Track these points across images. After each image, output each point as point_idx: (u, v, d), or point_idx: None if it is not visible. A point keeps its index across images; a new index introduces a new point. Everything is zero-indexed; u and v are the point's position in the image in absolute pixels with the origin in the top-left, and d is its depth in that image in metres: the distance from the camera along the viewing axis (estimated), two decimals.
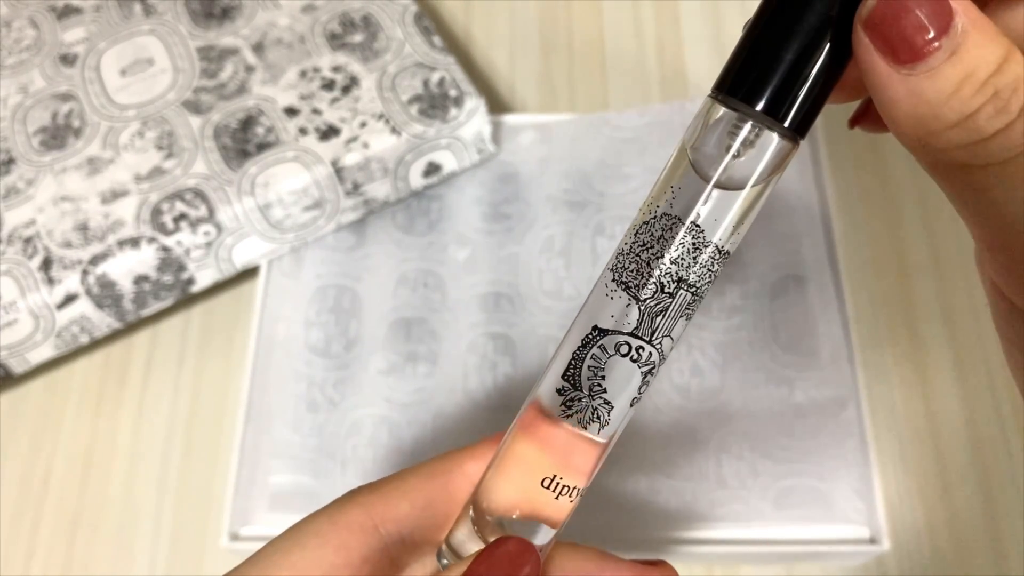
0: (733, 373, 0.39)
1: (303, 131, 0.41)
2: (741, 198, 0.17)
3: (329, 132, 0.41)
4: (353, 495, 0.21)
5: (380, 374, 0.40)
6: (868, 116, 0.21)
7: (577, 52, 0.52)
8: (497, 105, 0.50)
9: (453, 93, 0.42)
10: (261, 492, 0.38)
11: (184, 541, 0.40)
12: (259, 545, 0.37)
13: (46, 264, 0.39)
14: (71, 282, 0.39)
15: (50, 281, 0.38)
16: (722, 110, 0.16)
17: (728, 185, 0.17)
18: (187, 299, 0.44)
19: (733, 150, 0.16)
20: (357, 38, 0.44)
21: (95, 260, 0.39)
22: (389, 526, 0.21)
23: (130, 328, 0.44)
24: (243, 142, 0.41)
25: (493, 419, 0.39)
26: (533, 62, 0.51)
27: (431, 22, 0.45)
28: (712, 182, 0.17)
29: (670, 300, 0.18)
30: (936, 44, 0.14)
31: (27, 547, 0.40)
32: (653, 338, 0.18)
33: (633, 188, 0.43)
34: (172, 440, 0.42)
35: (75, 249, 0.39)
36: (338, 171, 0.40)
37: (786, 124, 0.16)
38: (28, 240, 0.39)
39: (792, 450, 0.37)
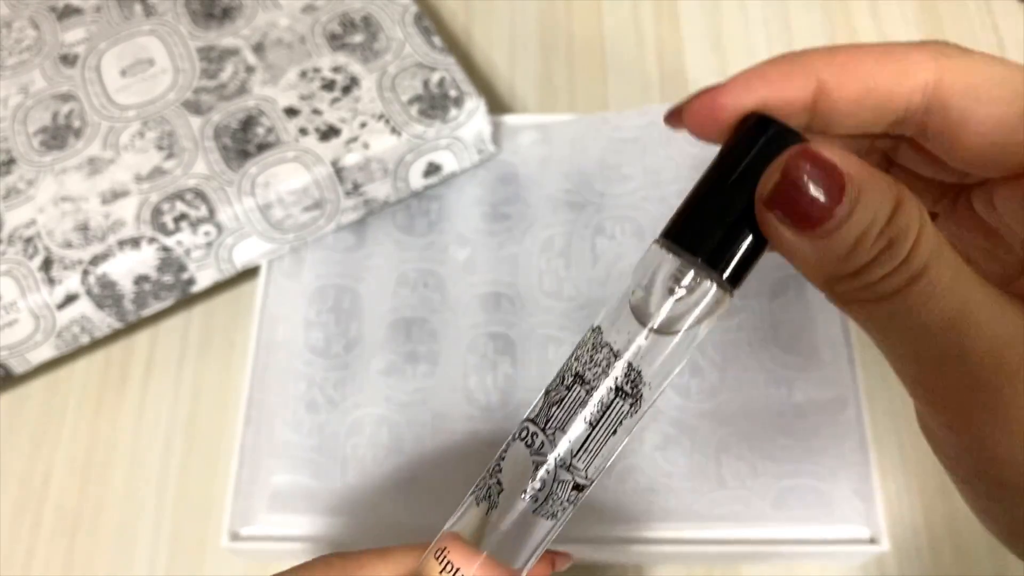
0: (733, 373, 0.39)
1: (303, 131, 0.41)
2: (673, 342, 0.18)
3: (329, 132, 0.41)
4: (328, 562, 0.23)
5: (380, 374, 0.40)
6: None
7: (577, 52, 0.52)
8: (497, 105, 0.50)
9: (453, 93, 0.42)
10: (261, 492, 0.38)
11: (184, 541, 0.40)
12: (259, 545, 0.37)
13: (46, 264, 0.39)
14: (72, 282, 0.39)
15: (50, 281, 0.39)
16: (667, 256, 0.18)
17: (663, 329, 0.18)
18: (187, 299, 0.44)
19: (676, 295, 0.18)
20: (357, 38, 0.44)
21: (95, 260, 0.39)
22: None
23: (130, 328, 0.44)
24: (243, 142, 0.41)
25: (493, 419, 0.39)
26: (533, 62, 0.52)
27: (431, 22, 0.45)
28: (649, 325, 0.18)
29: (566, 392, 0.19)
30: (832, 212, 0.16)
31: (27, 547, 0.40)
32: (546, 426, 0.19)
33: (633, 188, 0.43)
34: (172, 440, 0.42)
35: (75, 249, 0.39)
36: (338, 171, 0.40)
37: (724, 276, 0.17)
38: (28, 240, 0.39)
39: (792, 450, 0.37)
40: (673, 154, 0.43)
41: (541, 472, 0.19)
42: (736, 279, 0.18)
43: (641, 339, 0.18)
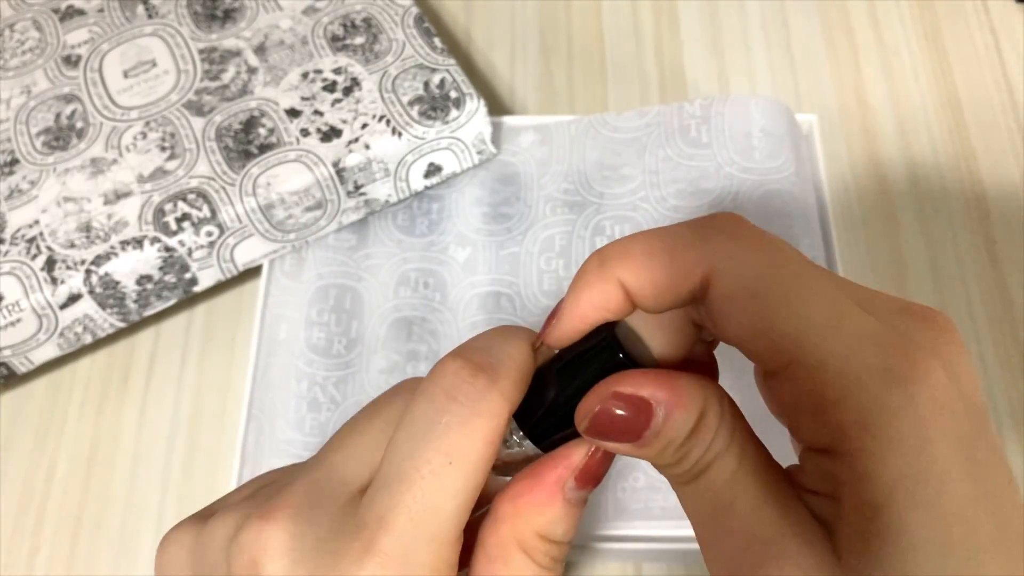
0: (731, 372, 0.39)
1: (305, 132, 0.41)
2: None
3: (330, 133, 0.41)
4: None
5: (381, 373, 0.40)
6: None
7: (577, 54, 0.52)
8: (497, 106, 0.50)
9: (454, 95, 0.42)
10: None
11: None
12: None
13: (49, 264, 0.39)
14: (74, 282, 0.39)
15: (53, 281, 0.39)
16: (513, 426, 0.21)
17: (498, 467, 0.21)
18: (190, 299, 0.45)
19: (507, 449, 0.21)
20: (358, 40, 0.44)
21: (98, 260, 0.39)
22: None
23: (133, 328, 0.45)
24: (245, 143, 0.41)
25: None
26: (533, 64, 0.52)
27: (432, 24, 0.45)
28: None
29: None
30: (642, 434, 0.19)
31: (31, 546, 0.40)
32: None
33: (632, 189, 0.43)
34: (175, 439, 0.42)
35: (78, 249, 0.39)
36: (339, 172, 0.41)
37: (542, 447, 0.21)
38: (32, 240, 0.40)
39: (791, 449, 0.37)
40: (672, 154, 0.43)
41: None
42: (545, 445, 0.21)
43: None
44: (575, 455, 0.21)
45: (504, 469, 0.22)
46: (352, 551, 0.18)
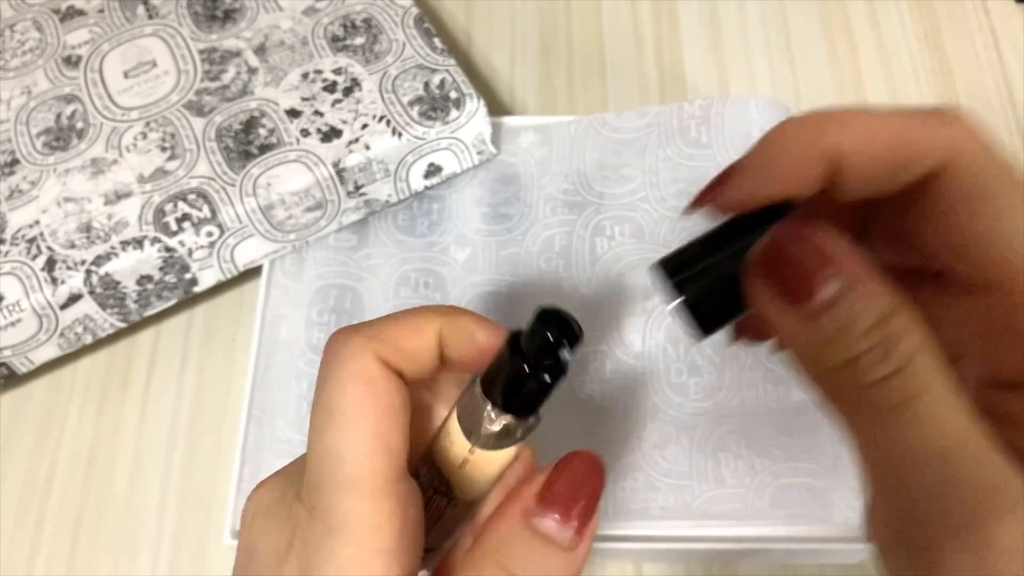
0: (731, 372, 0.39)
1: (305, 132, 0.41)
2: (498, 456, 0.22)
3: (331, 133, 0.41)
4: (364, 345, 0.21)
5: None
6: (749, 331, 0.23)
7: (576, 54, 0.52)
8: (497, 107, 0.50)
9: (454, 95, 0.42)
10: None
11: (187, 539, 0.40)
12: None
13: (50, 264, 0.39)
14: (75, 282, 0.39)
15: (54, 281, 0.39)
16: (480, 391, 0.21)
17: (487, 446, 0.21)
18: (190, 299, 0.45)
19: (484, 428, 0.21)
20: (359, 40, 0.44)
21: (99, 260, 0.39)
22: (386, 349, 0.21)
23: (133, 328, 0.45)
24: (245, 143, 0.41)
25: None
26: (533, 64, 0.52)
27: (432, 24, 0.46)
28: (471, 444, 0.21)
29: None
30: (825, 286, 0.16)
31: (31, 545, 0.40)
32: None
33: (632, 189, 0.43)
34: (175, 439, 0.42)
35: (79, 249, 0.39)
36: (339, 172, 0.41)
37: (518, 415, 0.21)
38: (32, 240, 0.40)
39: (790, 448, 0.37)
40: (672, 155, 0.43)
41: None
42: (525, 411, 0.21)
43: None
44: (537, 480, 0.19)
45: (487, 461, 0.21)
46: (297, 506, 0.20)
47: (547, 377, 0.20)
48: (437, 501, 0.22)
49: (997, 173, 0.16)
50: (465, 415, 0.21)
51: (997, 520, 0.15)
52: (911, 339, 0.16)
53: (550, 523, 0.19)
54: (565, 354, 0.20)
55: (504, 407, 0.21)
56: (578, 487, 0.19)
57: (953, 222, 0.17)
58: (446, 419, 0.22)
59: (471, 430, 0.21)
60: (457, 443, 0.21)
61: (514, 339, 0.21)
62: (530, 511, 0.19)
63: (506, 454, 0.21)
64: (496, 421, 0.21)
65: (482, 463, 0.21)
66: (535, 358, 0.20)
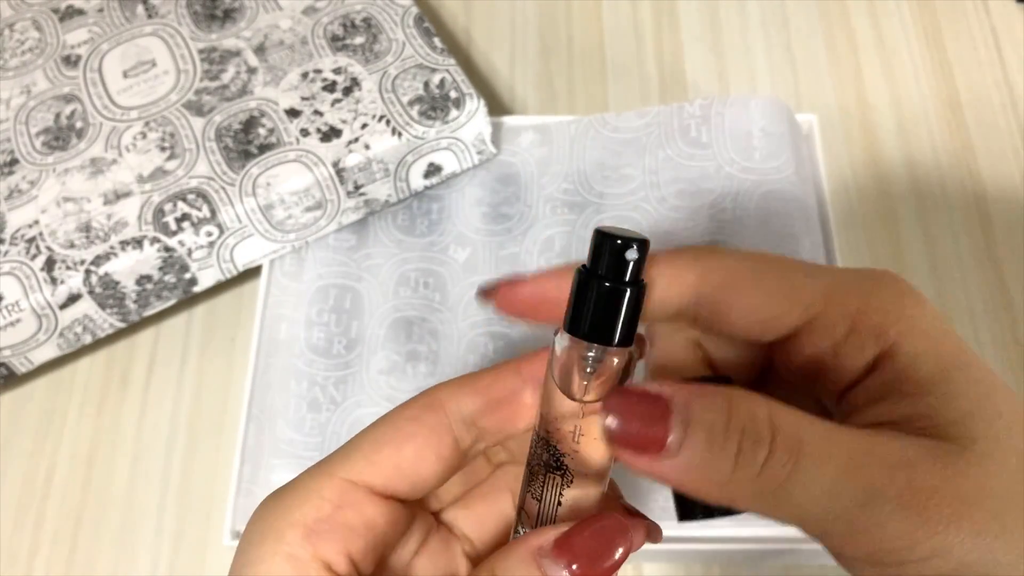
0: None
1: (304, 132, 0.41)
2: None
3: (330, 133, 0.41)
4: (432, 394, 0.22)
5: (381, 374, 0.40)
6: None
7: (577, 54, 0.52)
8: (497, 106, 0.50)
9: (453, 94, 0.42)
10: (263, 491, 0.38)
11: (186, 540, 0.40)
12: None
13: (49, 264, 0.39)
14: (74, 282, 0.39)
15: (53, 281, 0.39)
16: (569, 341, 0.20)
17: (592, 399, 0.20)
18: (189, 299, 0.45)
19: (588, 369, 0.20)
20: (358, 40, 0.44)
21: (98, 260, 0.39)
22: (451, 405, 0.21)
23: (133, 328, 0.45)
24: (245, 143, 0.41)
25: None
26: (533, 64, 0.52)
27: (432, 24, 0.45)
28: (580, 400, 0.20)
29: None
30: (669, 429, 0.17)
31: (30, 545, 0.40)
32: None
33: (632, 189, 0.43)
34: (174, 439, 0.42)
35: (78, 249, 0.39)
36: (339, 172, 0.41)
37: (615, 343, 0.20)
38: (31, 240, 0.40)
39: None
40: (673, 154, 0.43)
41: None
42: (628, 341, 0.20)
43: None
44: (559, 527, 0.19)
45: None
46: None
47: (632, 289, 0.19)
48: (552, 480, 0.21)
49: (739, 269, 0.19)
50: (564, 375, 0.20)
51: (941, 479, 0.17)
52: (761, 410, 0.17)
53: (559, 572, 0.19)
54: (633, 253, 0.19)
55: (602, 339, 0.20)
56: (600, 550, 0.19)
57: (730, 316, 0.19)
58: (543, 388, 0.21)
59: (572, 388, 0.20)
60: (562, 407, 0.20)
61: (583, 271, 0.20)
62: (544, 551, 0.19)
63: None
64: (598, 362, 0.20)
65: (594, 424, 0.20)
66: (613, 271, 0.19)
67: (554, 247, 0.42)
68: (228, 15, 0.45)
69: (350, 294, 0.42)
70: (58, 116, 0.43)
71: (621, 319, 0.19)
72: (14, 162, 0.42)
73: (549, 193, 0.43)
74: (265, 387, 0.40)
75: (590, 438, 0.20)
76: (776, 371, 0.22)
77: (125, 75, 0.44)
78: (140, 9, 0.46)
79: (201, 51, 0.44)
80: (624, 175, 0.43)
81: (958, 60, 0.51)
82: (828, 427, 0.17)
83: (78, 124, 0.42)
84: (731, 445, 0.17)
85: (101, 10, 0.46)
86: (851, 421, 0.19)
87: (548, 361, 0.21)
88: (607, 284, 0.19)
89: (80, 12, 0.46)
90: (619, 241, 0.19)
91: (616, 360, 0.20)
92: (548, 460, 0.21)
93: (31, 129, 0.43)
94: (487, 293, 0.21)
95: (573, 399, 0.20)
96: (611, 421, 0.18)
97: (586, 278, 0.20)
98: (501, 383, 0.21)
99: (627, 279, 0.19)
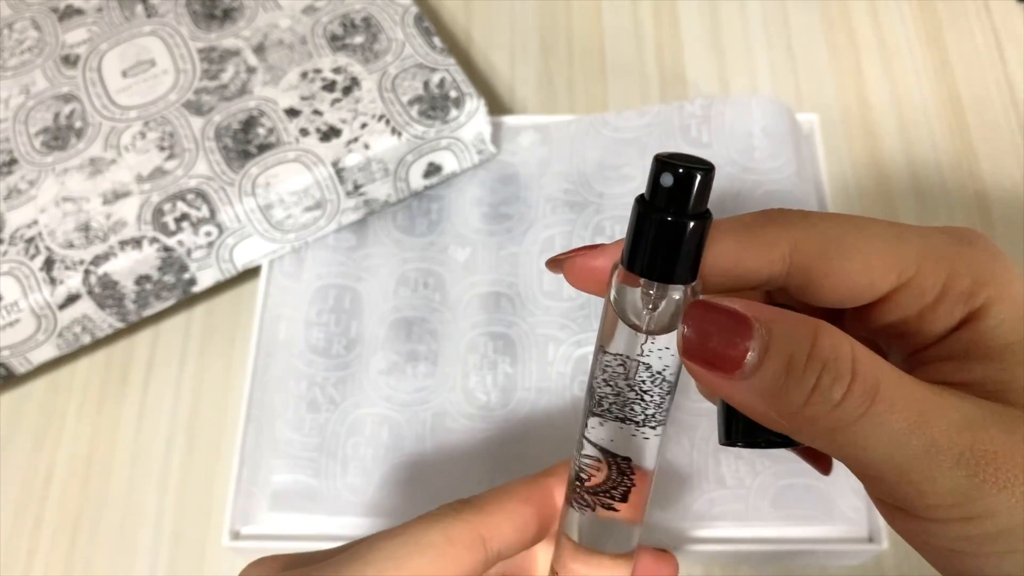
0: None
1: (304, 132, 0.41)
2: (670, 336, 0.19)
3: (330, 133, 0.41)
4: (458, 512, 0.22)
5: (380, 374, 0.40)
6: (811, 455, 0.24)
7: (577, 53, 0.52)
8: (497, 106, 0.50)
9: (453, 94, 0.42)
10: (262, 491, 0.38)
11: (185, 540, 0.40)
12: (260, 544, 0.37)
13: (48, 264, 0.39)
14: (73, 282, 0.39)
15: (52, 281, 0.39)
16: (630, 281, 0.19)
17: (655, 330, 0.19)
18: (189, 299, 0.45)
19: (651, 306, 0.19)
20: (358, 39, 0.44)
21: (97, 260, 0.39)
22: (493, 545, 0.22)
23: (132, 328, 0.45)
24: (244, 143, 0.41)
25: (492, 418, 0.39)
26: (533, 63, 0.52)
27: (431, 23, 0.45)
28: (644, 330, 0.19)
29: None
30: (746, 348, 0.17)
31: (29, 546, 0.40)
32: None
33: (632, 189, 0.43)
34: (173, 439, 0.42)
35: (77, 249, 0.39)
36: (339, 172, 0.40)
37: (674, 281, 0.19)
38: (30, 240, 0.39)
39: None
40: None
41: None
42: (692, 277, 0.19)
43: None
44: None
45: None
46: None
47: (695, 220, 0.18)
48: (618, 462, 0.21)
49: (832, 236, 0.19)
50: (629, 313, 0.19)
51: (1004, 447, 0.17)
52: (844, 348, 0.17)
53: None
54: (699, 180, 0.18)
55: (665, 277, 0.18)
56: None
57: (825, 283, 0.19)
58: (596, 356, 0.20)
59: (632, 318, 0.19)
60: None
61: (641, 200, 0.18)
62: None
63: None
64: (661, 300, 0.19)
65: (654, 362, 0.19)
66: (674, 201, 0.18)
67: (554, 247, 0.42)
68: (227, 14, 0.45)
69: (349, 294, 0.42)
70: (57, 116, 0.43)
71: (695, 248, 0.18)
72: (13, 162, 0.42)
73: (549, 193, 0.43)
74: (264, 387, 0.40)
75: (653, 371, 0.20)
76: (842, 320, 0.22)
77: (124, 75, 0.44)
78: (139, 8, 0.46)
79: (200, 51, 0.44)
80: (624, 175, 0.43)
81: (959, 60, 0.51)
82: (903, 377, 0.17)
83: (77, 124, 0.42)
84: (810, 377, 0.17)
85: (100, 9, 0.46)
86: (918, 374, 0.18)
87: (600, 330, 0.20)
88: (668, 218, 0.18)
89: (79, 12, 0.46)
90: (680, 170, 0.17)
91: (677, 296, 0.19)
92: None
93: (30, 129, 0.42)
94: (558, 262, 0.21)
95: (638, 330, 0.19)
96: (689, 333, 0.17)
97: (647, 208, 0.18)
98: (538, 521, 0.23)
99: (688, 211, 0.18)
